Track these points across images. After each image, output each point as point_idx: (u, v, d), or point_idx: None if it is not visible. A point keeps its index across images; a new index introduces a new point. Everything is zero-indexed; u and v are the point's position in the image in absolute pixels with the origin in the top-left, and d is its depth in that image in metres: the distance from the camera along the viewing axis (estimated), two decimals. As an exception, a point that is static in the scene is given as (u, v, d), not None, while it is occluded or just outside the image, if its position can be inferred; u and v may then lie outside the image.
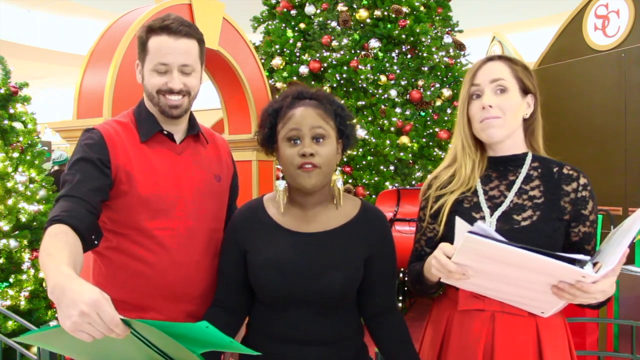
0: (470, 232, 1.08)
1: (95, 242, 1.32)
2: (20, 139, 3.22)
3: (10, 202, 3.08)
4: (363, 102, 4.91)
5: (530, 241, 1.23)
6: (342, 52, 4.97)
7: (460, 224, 1.16)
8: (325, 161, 1.29)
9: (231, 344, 0.99)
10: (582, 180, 1.30)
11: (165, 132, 1.46)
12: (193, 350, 0.97)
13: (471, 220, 1.31)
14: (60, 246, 1.12)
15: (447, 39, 5.34)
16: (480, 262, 1.12)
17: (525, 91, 1.33)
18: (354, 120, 1.42)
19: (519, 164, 1.34)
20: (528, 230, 1.27)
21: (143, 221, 1.39)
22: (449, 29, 5.57)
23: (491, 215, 1.31)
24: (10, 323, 2.87)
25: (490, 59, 1.35)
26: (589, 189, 1.30)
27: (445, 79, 5.15)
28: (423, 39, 5.01)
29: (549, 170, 1.33)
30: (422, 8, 5.18)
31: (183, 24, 1.41)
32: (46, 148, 4.19)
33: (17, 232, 3.10)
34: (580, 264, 1.06)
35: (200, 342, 0.98)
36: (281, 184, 1.38)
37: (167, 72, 1.39)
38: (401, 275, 4.41)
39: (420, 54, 5.09)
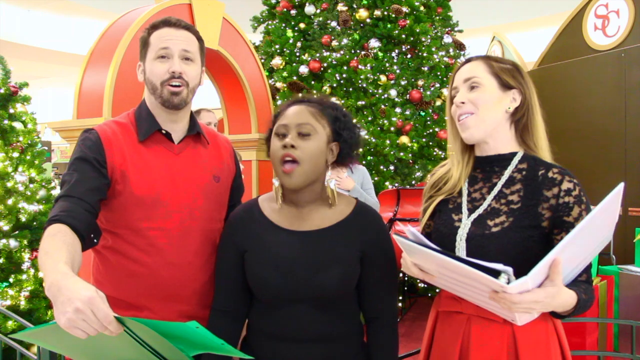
0: (396, 235, 1.12)
1: (95, 240, 1.33)
2: (20, 139, 3.22)
3: (10, 202, 3.08)
4: (363, 102, 4.91)
5: (498, 248, 1.23)
6: (342, 52, 4.97)
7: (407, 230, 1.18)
8: (306, 156, 1.31)
9: (222, 347, 0.99)
10: (566, 185, 1.23)
11: (163, 132, 1.47)
12: (185, 352, 0.96)
13: (448, 224, 1.33)
14: (58, 245, 1.14)
15: (447, 39, 5.35)
16: (427, 263, 1.14)
17: (506, 86, 1.30)
18: (359, 129, 1.43)
19: (505, 165, 1.32)
20: (497, 237, 1.24)
21: (137, 221, 1.40)
22: (449, 29, 5.57)
23: (468, 217, 1.31)
24: (10, 323, 2.87)
25: (468, 60, 1.36)
26: (573, 194, 1.22)
27: (445, 78, 5.15)
28: (423, 39, 5.01)
29: (534, 172, 1.27)
30: (422, 8, 5.18)
31: (183, 20, 1.49)
32: (46, 148, 4.18)
33: (17, 232, 3.10)
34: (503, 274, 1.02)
35: (192, 343, 0.98)
36: (276, 181, 1.40)
37: (169, 59, 1.43)
38: (401, 275, 4.41)
39: (420, 54, 5.09)
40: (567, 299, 1.11)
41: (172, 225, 1.43)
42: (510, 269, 1.02)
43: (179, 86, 1.43)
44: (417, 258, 1.16)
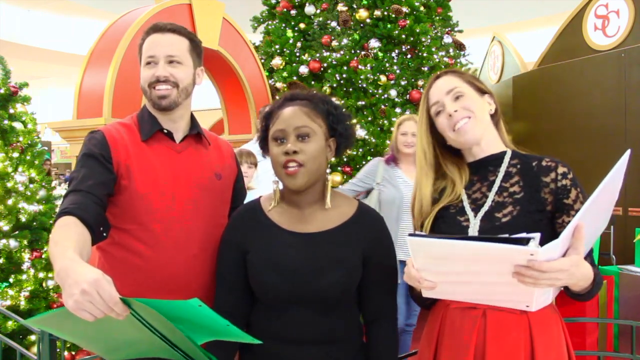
0: (411, 234, 1.11)
1: (104, 234, 1.36)
2: (20, 139, 3.22)
3: (10, 202, 3.08)
4: (363, 102, 4.91)
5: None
6: (342, 52, 4.97)
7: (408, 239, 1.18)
8: (309, 158, 1.31)
9: (227, 328, 0.99)
10: (561, 170, 1.29)
11: (165, 131, 1.51)
12: (190, 338, 0.97)
13: (455, 225, 1.33)
14: (67, 235, 1.17)
15: (447, 39, 5.35)
16: (438, 265, 1.13)
17: (481, 91, 1.38)
18: (353, 120, 1.42)
19: (498, 163, 1.36)
20: (509, 225, 1.27)
21: (141, 216, 1.44)
22: (449, 29, 5.57)
23: (475, 217, 1.32)
24: (10, 323, 2.87)
25: (437, 76, 1.40)
26: (569, 177, 1.28)
27: (445, 79, 5.15)
28: (423, 39, 5.01)
29: (528, 165, 1.33)
30: (422, 8, 5.18)
31: (171, 23, 1.52)
32: (46, 148, 4.18)
33: (17, 232, 3.10)
34: (527, 242, 1.03)
35: (198, 326, 0.98)
36: (275, 183, 1.40)
37: (155, 64, 1.47)
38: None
39: (420, 54, 5.09)
40: (588, 270, 1.14)
41: (176, 220, 1.46)
42: (537, 234, 1.03)
43: (165, 89, 1.46)
44: (429, 261, 1.14)
